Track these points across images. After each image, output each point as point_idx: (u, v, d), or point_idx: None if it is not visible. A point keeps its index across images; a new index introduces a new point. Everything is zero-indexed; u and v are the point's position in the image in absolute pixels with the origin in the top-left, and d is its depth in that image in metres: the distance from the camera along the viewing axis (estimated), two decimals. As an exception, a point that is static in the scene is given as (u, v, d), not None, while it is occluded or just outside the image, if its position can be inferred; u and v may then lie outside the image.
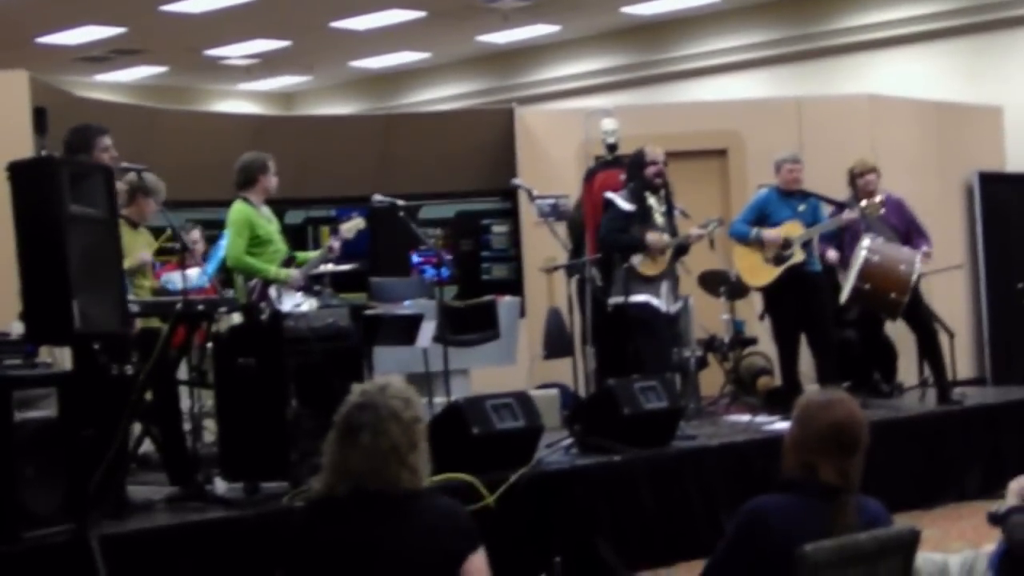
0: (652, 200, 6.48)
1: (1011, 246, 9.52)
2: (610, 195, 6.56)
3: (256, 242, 5.40)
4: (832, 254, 6.88)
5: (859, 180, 6.89)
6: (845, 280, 6.73)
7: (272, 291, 5.30)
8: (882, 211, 6.77)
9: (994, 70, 10.56)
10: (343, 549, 2.47)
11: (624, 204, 6.44)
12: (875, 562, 2.54)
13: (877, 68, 11.22)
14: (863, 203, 6.74)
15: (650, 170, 6.44)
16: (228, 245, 5.39)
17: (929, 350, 6.98)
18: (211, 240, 6.84)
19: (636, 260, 6.35)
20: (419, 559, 2.45)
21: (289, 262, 5.48)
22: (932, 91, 10.23)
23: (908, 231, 6.97)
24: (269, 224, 5.52)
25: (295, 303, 5.27)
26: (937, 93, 10.13)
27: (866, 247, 6.56)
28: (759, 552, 2.53)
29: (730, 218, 7.30)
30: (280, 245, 5.50)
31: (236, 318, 5.39)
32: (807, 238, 6.72)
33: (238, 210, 5.44)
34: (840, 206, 6.85)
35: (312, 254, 5.71)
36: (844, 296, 6.68)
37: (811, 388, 6.08)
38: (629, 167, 6.59)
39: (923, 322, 6.94)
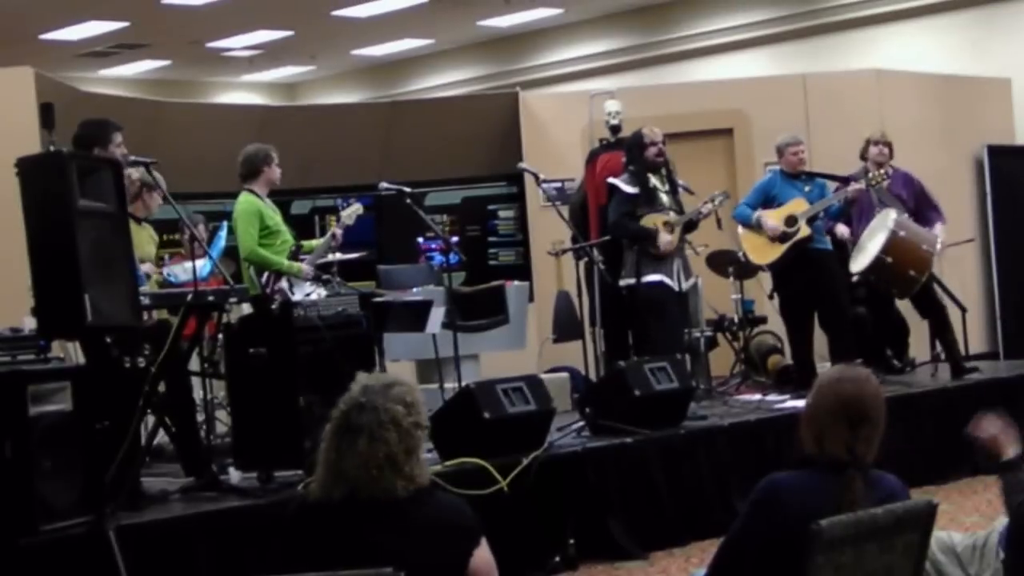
0: (655, 180, 6.48)
1: (1022, 219, 9.48)
2: (612, 180, 6.56)
3: (265, 233, 5.41)
4: (843, 229, 6.87)
5: (872, 148, 6.89)
6: (858, 253, 6.70)
7: (284, 283, 5.33)
8: (886, 182, 6.77)
9: (1001, 42, 10.49)
10: (339, 556, 2.38)
11: (628, 188, 6.44)
12: (892, 536, 2.54)
13: (883, 42, 11.15)
14: (869, 174, 6.74)
15: (650, 151, 6.44)
16: (240, 237, 5.40)
17: (939, 328, 6.96)
18: (213, 232, 6.85)
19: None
20: (421, 564, 2.37)
21: (296, 252, 5.50)
22: (939, 64, 10.17)
23: (918, 205, 6.96)
24: (276, 215, 5.54)
25: (306, 293, 5.29)
26: (944, 66, 10.07)
27: (893, 220, 6.53)
28: (774, 528, 2.53)
29: (738, 197, 7.29)
30: (287, 236, 5.52)
31: (247, 308, 5.41)
32: (812, 213, 6.72)
33: (246, 201, 5.44)
34: (844, 180, 6.84)
35: (317, 242, 5.72)
36: (862, 266, 6.65)
37: (824, 366, 6.08)
38: (629, 150, 6.59)
39: (930, 301, 6.92)
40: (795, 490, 2.57)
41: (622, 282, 6.40)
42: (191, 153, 7.54)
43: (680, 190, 6.58)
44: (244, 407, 4.86)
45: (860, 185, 6.69)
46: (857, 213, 6.86)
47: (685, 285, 6.51)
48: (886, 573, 2.54)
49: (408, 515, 2.42)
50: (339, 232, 5.60)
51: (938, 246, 6.61)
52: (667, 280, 6.36)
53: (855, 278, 6.80)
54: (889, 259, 6.51)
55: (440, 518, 2.45)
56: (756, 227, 6.77)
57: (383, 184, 6.08)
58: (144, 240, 5.46)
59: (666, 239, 6.33)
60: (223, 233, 6.49)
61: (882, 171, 6.74)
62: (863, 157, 6.98)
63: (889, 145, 6.95)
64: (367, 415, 2.43)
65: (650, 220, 6.40)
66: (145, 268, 5.33)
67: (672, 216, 6.43)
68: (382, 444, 2.41)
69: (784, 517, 2.51)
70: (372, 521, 2.41)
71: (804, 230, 6.70)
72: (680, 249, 6.50)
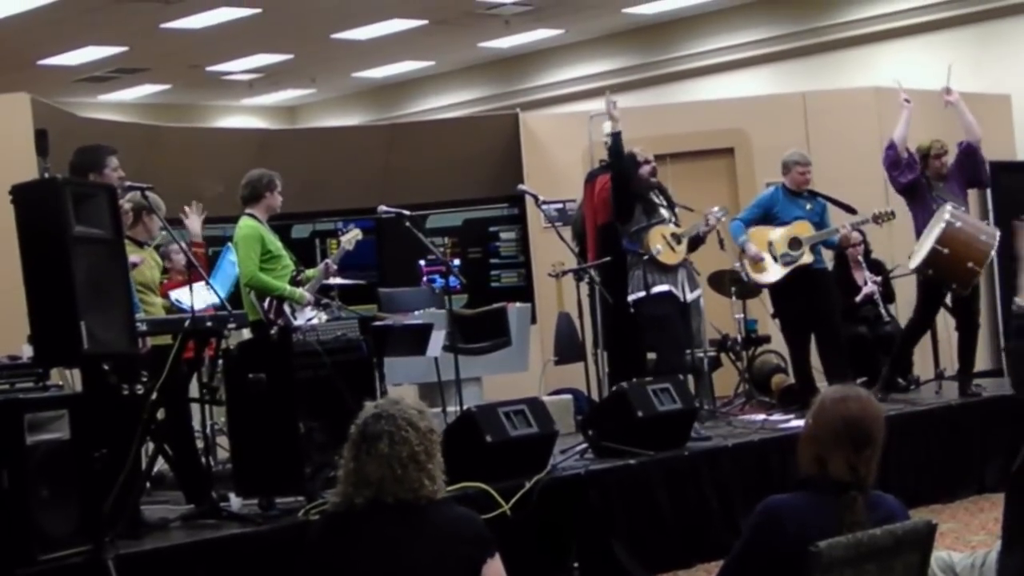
0: (651, 195, 6.52)
1: None
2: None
3: (267, 258, 5.38)
4: (855, 236, 6.95)
5: (935, 161, 6.83)
6: (916, 251, 6.61)
7: (286, 307, 5.30)
8: (893, 219, 6.79)
9: (1000, 58, 10.49)
10: (363, 560, 2.48)
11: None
12: (891, 557, 2.52)
13: (882, 60, 11.16)
14: (875, 211, 6.74)
15: (645, 169, 6.52)
16: (242, 262, 5.35)
17: (966, 337, 6.90)
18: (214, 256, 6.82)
19: (656, 250, 6.38)
20: (438, 568, 2.47)
21: (297, 277, 5.47)
22: (939, 81, 10.13)
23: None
24: (276, 240, 5.52)
25: (308, 318, 5.27)
26: (944, 83, 10.06)
27: (949, 211, 6.46)
28: (773, 551, 2.52)
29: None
30: (288, 261, 5.49)
31: (246, 333, 5.39)
32: (815, 241, 6.73)
33: (247, 225, 5.41)
34: (848, 209, 6.84)
35: (315, 271, 5.68)
36: (918, 260, 6.55)
37: (824, 385, 6.05)
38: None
39: (969, 306, 6.85)
40: (794, 512, 2.55)
41: (631, 296, 6.41)
42: (191, 177, 7.53)
43: (678, 209, 6.60)
44: (244, 433, 4.84)
45: (849, 231, 6.71)
46: (923, 212, 6.71)
47: (690, 296, 6.53)
48: (888, 595, 2.51)
49: (428, 516, 2.53)
50: (332, 264, 5.58)
51: (995, 241, 6.51)
52: (674, 290, 6.40)
53: (916, 267, 6.63)
54: (946, 250, 6.37)
55: (458, 522, 2.57)
56: (739, 248, 6.79)
57: (382, 207, 6.07)
58: (147, 264, 5.43)
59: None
60: (232, 257, 6.46)
61: (890, 210, 6.74)
62: (924, 165, 6.88)
63: (946, 152, 6.92)
64: (384, 422, 2.56)
65: (657, 232, 6.41)
66: (135, 260, 5.20)
67: (675, 228, 6.46)
68: (403, 445, 2.53)
69: (784, 539, 2.50)
70: (394, 520, 2.51)
71: (807, 256, 6.70)
72: (685, 262, 6.51)
